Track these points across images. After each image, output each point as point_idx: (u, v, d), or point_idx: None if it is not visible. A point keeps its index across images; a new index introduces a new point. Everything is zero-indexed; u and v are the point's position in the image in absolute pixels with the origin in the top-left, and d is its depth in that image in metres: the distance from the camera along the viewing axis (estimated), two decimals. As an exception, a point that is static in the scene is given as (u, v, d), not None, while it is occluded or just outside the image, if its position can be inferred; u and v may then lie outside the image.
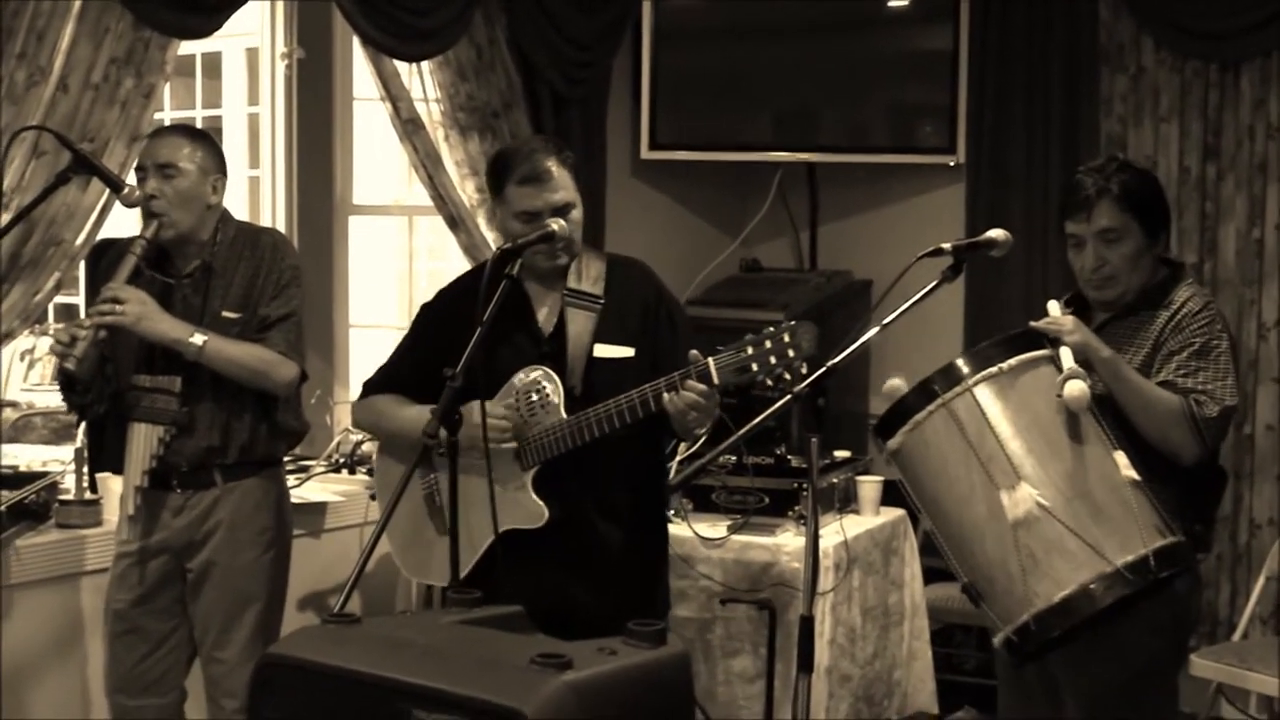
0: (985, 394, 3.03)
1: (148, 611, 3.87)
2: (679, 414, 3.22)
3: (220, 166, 3.85)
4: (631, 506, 3.55)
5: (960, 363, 3.08)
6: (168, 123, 6.00)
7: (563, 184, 3.45)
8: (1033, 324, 3.19)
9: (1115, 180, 3.31)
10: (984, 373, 3.03)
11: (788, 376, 3.10)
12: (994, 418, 3.01)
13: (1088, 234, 3.31)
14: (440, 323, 3.63)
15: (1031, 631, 2.96)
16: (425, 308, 3.77)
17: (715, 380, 3.16)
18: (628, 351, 3.50)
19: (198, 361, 3.69)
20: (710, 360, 3.15)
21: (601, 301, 3.52)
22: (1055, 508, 2.95)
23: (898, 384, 3.22)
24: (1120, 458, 3.04)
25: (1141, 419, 3.17)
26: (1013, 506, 2.95)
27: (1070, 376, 3.00)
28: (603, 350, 3.49)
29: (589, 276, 3.54)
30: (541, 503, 3.43)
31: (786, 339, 3.09)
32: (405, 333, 3.79)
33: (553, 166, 3.44)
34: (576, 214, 3.49)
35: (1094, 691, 3.24)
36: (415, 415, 3.57)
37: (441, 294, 3.76)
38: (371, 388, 3.77)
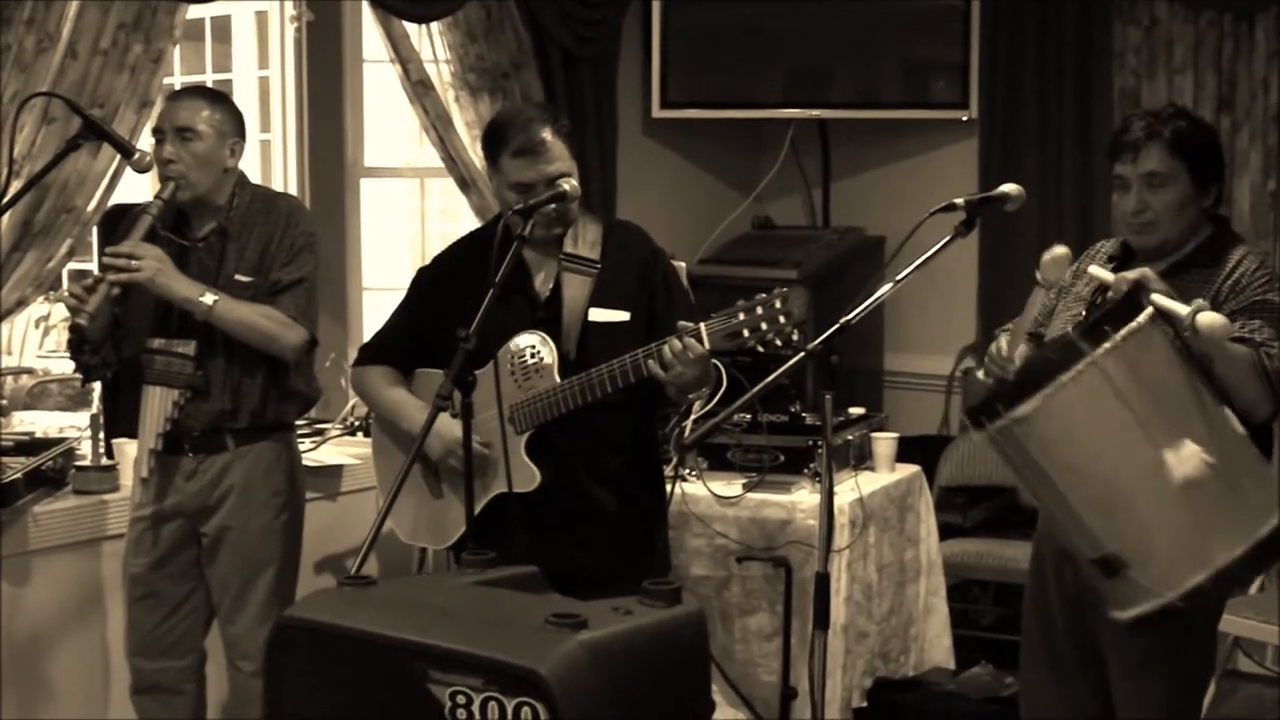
0: (1134, 351, 2.89)
1: (164, 575, 3.89)
2: (668, 379, 3.22)
3: (238, 129, 3.84)
4: (625, 469, 3.56)
5: (1077, 334, 2.94)
6: (178, 88, 6.00)
7: (557, 155, 3.42)
8: (1123, 276, 3.03)
9: (1169, 125, 3.21)
10: (1127, 329, 2.88)
11: (778, 343, 3.08)
12: (1146, 374, 2.90)
13: (1133, 176, 3.21)
14: (436, 288, 3.64)
15: (1205, 591, 2.88)
16: (421, 272, 3.78)
17: (706, 345, 3.14)
18: (623, 315, 3.49)
19: (207, 321, 3.70)
20: (702, 325, 3.14)
21: (598, 265, 3.51)
22: (1217, 463, 2.88)
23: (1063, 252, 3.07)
24: (1230, 413, 2.99)
25: (1221, 373, 3.05)
26: (1179, 464, 2.85)
27: (1199, 309, 2.87)
28: (598, 314, 3.49)
29: (586, 241, 3.53)
30: (534, 466, 3.43)
31: (778, 305, 3.07)
32: (401, 298, 3.78)
33: (547, 137, 3.42)
34: (571, 183, 3.47)
35: (1139, 647, 3.21)
36: (402, 403, 3.62)
37: (437, 259, 3.76)
38: (367, 354, 3.78)
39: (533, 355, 3.43)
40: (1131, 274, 3.02)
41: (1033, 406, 2.89)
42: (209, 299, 3.68)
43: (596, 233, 3.56)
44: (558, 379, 3.39)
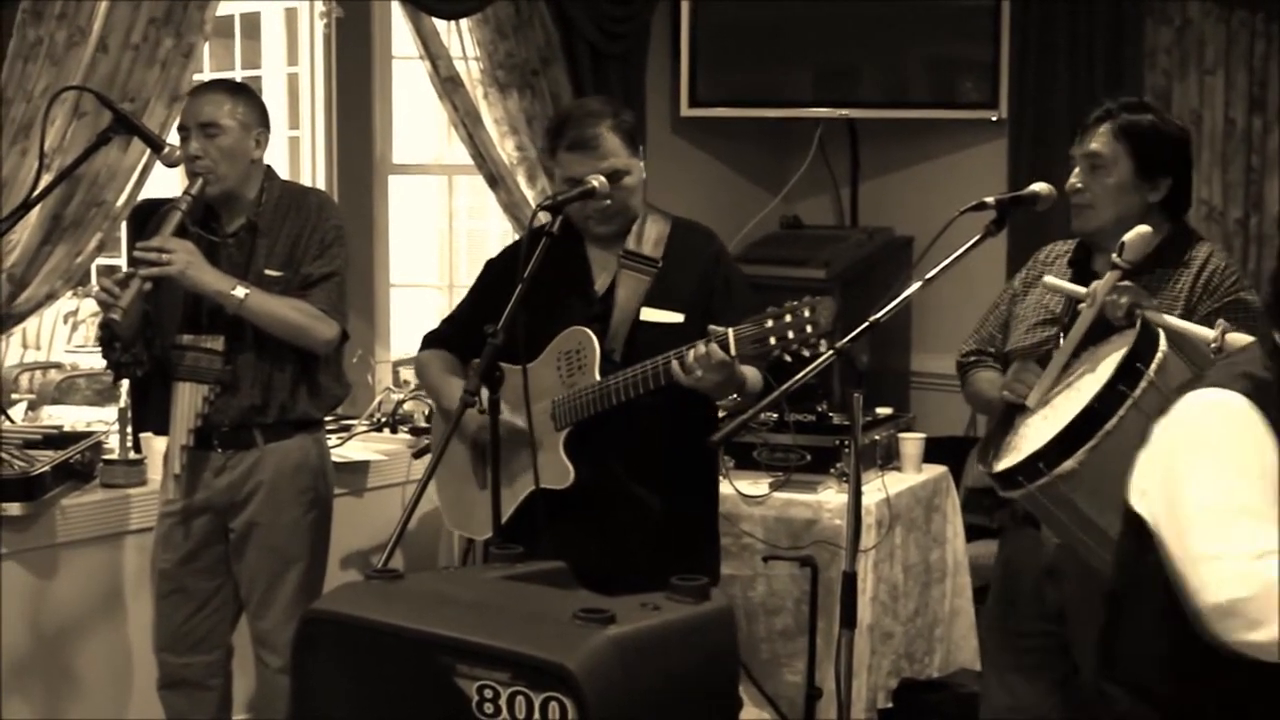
0: (1161, 380, 2.82)
1: (192, 570, 3.90)
2: (691, 384, 3.20)
3: (262, 120, 3.84)
4: (670, 471, 3.50)
5: (1114, 378, 2.86)
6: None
7: (612, 151, 3.41)
8: (1116, 300, 3.00)
9: (1124, 112, 3.24)
10: (1156, 362, 2.83)
11: (805, 353, 3.06)
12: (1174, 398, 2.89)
13: (1077, 156, 3.25)
14: (500, 279, 3.61)
15: None
16: (489, 264, 3.76)
17: (733, 351, 3.12)
18: (677, 317, 3.45)
19: (238, 315, 3.70)
20: (730, 331, 3.12)
21: (658, 265, 3.49)
22: None
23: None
24: None
25: None
26: None
27: (1227, 330, 2.85)
28: (650, 314, 3.46)
29: (649, 239, 3.51)
30: (569, 464, 3.42)
31: (806, 314, 3.04)
32: (471, 286, 3.78)
33: (603, 132, 3.41)
34: (630, 180, 3.45)
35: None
36: (448, 386, 3.59)
37: (506, 250, 3.76)
38: (429, 341, 3.78)
39: (576, 352, 3.43)
40: (1123, 298, 2.99)
41: (1079, 460, 2.83)
42: (240, 292, 3.69)
43: (661, 232, 3.54)
44: (597, 377, 3.39)
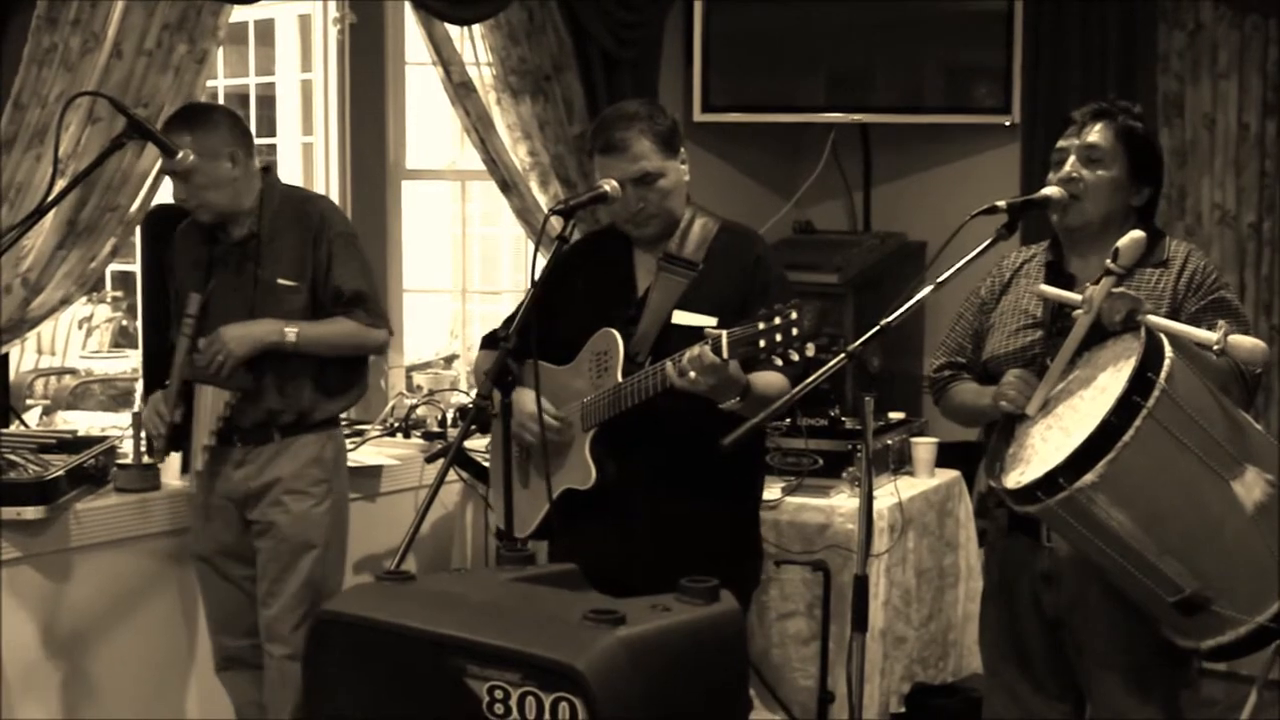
0: (1172, 388, 2.82)
1: (230, 561, 4.04)
2: (685, 386, 3.19)
3: (230, 139, 3.87)
4: (695, 475, 3.46)
5: (1127, 390, 2.84)
6: (221, 91, 6.05)
7: (643, 153, 3.42)
8: (1112, 306, 2.98)
9: (1121, 113, 3.26)
10: (1165, 370, 2.81)
11: (794, 356, 3.07)
12: (1192, 408, 2.84)
13: (1072, 148, 3.23)
14: (555, 279, 3.59)
15: None
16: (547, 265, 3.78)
17: (725, 353, 3.12)
18: (709, 320, 3.42)
19: (296, 351, 3.85)
20: (724, 333, 3.13)
21: (697, 269, 3.50)
22: (1275, 477, 2.85)
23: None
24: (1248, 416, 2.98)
25: (1209, 380, 3.09)
26: (1248, 492, 2.84)
27: (1229, 332, 2.85)
28: (682, 317, 3.47)
29: (692, 242, 3.52)
30: (592, 464, 3.43)
31: (792, 317, 3.05)
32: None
33: (632, 136, 3.42)
34: (665, 182, 3.46)
35: (1138, 661, 3.19)
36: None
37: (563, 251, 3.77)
38: (487, 341, 3.79)
39: (604, 354, 3.45)
40: (1120, 303, 2.98)
41: (1099, 474, 2.81)
42: (290, 333, 3.83)
43: (706, 234, 3.54)
44: (619, 378, 3.40)
